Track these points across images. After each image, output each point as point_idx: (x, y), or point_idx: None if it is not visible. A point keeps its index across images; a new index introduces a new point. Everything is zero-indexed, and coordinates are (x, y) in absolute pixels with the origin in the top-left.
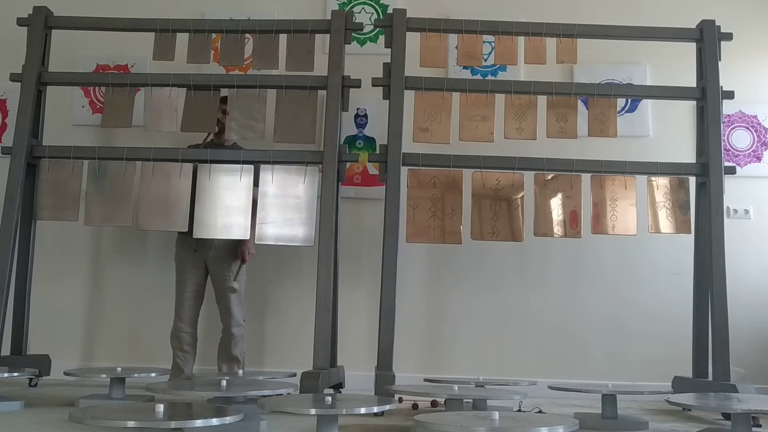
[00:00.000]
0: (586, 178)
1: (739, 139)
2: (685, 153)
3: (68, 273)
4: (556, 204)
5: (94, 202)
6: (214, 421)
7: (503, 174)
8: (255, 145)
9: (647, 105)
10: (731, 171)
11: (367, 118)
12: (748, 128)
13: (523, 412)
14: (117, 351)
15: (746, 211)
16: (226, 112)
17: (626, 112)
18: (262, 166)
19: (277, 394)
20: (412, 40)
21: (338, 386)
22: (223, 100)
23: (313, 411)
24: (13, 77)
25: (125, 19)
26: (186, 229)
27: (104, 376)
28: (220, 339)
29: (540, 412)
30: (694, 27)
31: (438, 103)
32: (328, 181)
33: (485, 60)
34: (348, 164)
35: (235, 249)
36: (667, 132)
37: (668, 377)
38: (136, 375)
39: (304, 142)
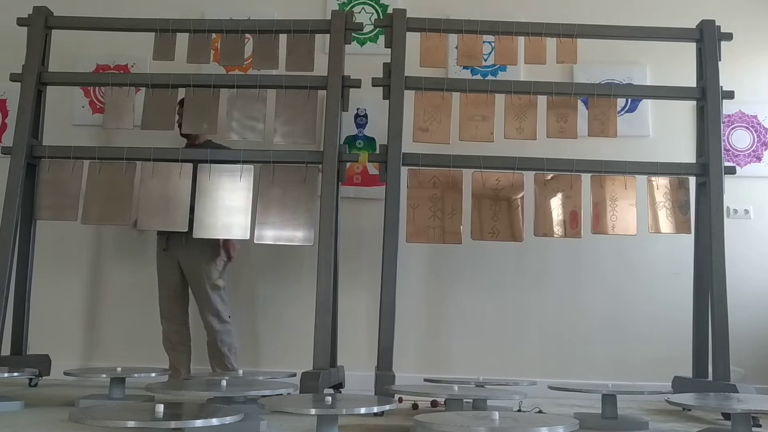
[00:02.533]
0: (586, 178)
1: (739, 139)
2: (685, 153)
3: (68, 273)
4: (556, 204)
5: (92, 202)
6: (214, 421)
7: (503, 174)
8: (255, 145)
9: (647, 105)
10: (731, 171)
11: (367, 118)
12: (748, 128)
13: (523, 412)
14: (117, 351)
15: (746, 211)
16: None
17: (626, 112)
18: (263, 166)
19: (277, 394)
20: (412, 40)
21: (338, 386)
22: (180, 102)
23: (313, 411)
24: (13, 77)
25: (125, 19)
26: (186, 229)
27: (104, 376)
28: (207, 340)
29: (540, 412)
30: (694, 27)
31: (438, 103)
32: (328, 181)
33: (485, 60)
34: (348, 164)
35: (212, 247)
36: (667, 132)
37: (668, 377)
38: (136, 375)
39: (304, 142)
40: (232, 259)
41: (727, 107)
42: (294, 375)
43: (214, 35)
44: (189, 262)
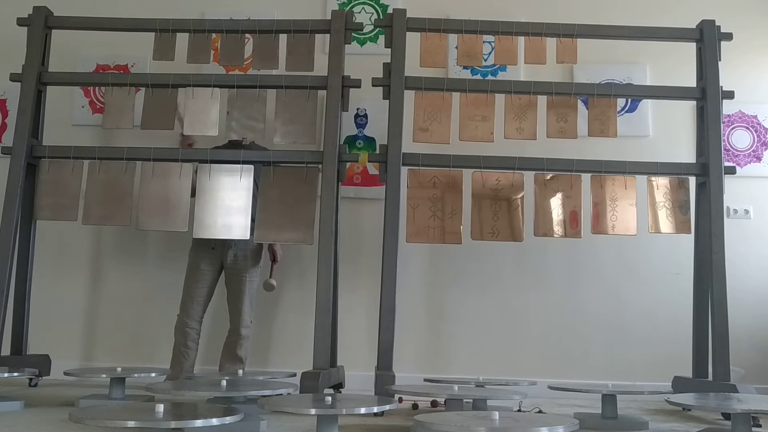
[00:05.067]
0: (586, 178)
1: (739, 139)
2: (685, 153)
3: (68, 273)
4: (556, 204)
5: (92, 202)
6: (214, 421)
7: (503, 174)
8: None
9: (647, 105)
10: (731, 171)
11: (367, 118)
12: (748, 128)
13: (523, 412)
14: (117, 351)
15: (746, 211)
16: None
17: (626, 112)
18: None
19: (277, 394)
20: (412, 40)
21: (338, 386)
22: None
23: (313, 411)
24: (13, 77)
25: (125, 19)
26: (186, 229)
27: (104, 376)
28: (227, 338)
29: (540, 412)
30: (694, 27)
31: (438, 103)
32: (328, 181)
33: (485, 60)
34: (348, 164)
35: (255, 250)
36: (667, 132)
37: (668, 377)
38: (136, 375)
39: (304, 142)
40: (277, 260)
41: (727, 107)
42: (294, 375)
43: (214, 35)
44: (235, 264)
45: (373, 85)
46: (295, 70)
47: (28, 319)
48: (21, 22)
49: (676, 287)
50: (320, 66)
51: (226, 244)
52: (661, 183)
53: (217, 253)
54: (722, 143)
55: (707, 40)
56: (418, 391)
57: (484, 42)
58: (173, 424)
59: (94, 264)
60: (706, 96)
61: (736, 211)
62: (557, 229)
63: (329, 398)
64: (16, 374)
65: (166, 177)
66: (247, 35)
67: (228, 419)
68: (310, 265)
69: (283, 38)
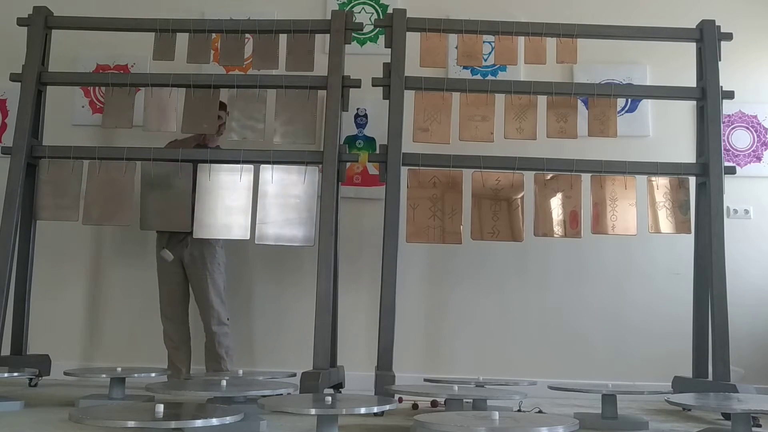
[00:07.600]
0: (586, 178)
1: (739, 139)
2: (685, 153)
3: (68, 273)
4: (556, 204)
5: (92, 202)
6: (214, 421)
7: (503, 174)
8: (255, 145)
9: (647, 105)
10: (731, 171)
11: (367, 118)
12: (748, 128)
13: (523, 412)
14: (117, 351)
15: (746, 211)
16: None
17: (626, 112)
18: (262, 166)
19: (277, 394)
20: (412, 40)
21: (338, 386)
22: (221, 105)
23: (313, 411)
24: (13, 77)
25: (125, 19)
26: (187, 229)
27: (104, 376)
28: (205, 341)
29: (540, 412)
30: (694, 27)
31: (438, 103)
32: (328, 181)
33: (485, 60)
34: (348, 164)
35: (211, 246)
36: (667, 132)
37: (668, 377)
38: (136, 375)
39: (304, 142)
40: None
41: (727, 107)
42: (294, 375)
43: (214, 35)
44: (192, 262)
45: (373, 85)
46: (295, 70)
47: (28, 319)
48: (21, 22)
49: (676, 287)
50: (320, 66)
51: (180, 244)
52: (661, 183)
53: (174, 254)
54: (722, 143)
55: (707, 40)
56: (418, 391)
57: (484, 42)
58: (173, 424)
59: (94, 264)
60: (706, 96)
61: (736, 211)
62: (557, 229)
63: (329, 398)
64: (16, 374)
65: (165, 177)
66: (247, 35)
67: (228, 419)
68: (310, 265)
69: (283, 38)
